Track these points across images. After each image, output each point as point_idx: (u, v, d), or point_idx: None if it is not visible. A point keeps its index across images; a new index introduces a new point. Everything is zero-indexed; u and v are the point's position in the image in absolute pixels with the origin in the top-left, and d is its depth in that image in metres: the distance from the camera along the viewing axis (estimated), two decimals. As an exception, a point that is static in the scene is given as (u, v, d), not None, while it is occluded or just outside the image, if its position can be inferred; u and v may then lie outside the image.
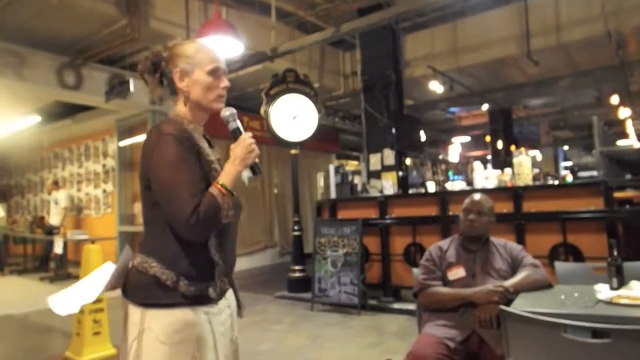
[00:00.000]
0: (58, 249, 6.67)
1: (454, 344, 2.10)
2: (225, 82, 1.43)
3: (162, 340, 1.26)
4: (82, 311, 3.62)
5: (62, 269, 7.73)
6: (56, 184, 8.94)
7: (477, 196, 2.47)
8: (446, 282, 2.33)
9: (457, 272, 2.31)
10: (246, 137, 1.36)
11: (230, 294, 1.47)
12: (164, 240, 1.31)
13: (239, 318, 1.52)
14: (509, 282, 2.14)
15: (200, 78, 1.39)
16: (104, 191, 8.89)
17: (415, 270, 2.49)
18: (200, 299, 1.30)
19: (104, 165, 8.93)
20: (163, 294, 1.27)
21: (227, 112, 1.40)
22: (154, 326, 1.27)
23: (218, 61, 1.42)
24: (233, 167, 1.32)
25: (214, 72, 1.40)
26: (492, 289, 2.11)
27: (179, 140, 1.30)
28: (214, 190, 1.28)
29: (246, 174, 1.42)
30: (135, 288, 1.33)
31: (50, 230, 7.67)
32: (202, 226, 1.24)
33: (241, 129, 1.39)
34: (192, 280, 1.29)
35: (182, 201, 1.24)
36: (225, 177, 1.31)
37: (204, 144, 1.40)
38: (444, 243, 2.49)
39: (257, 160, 1.37)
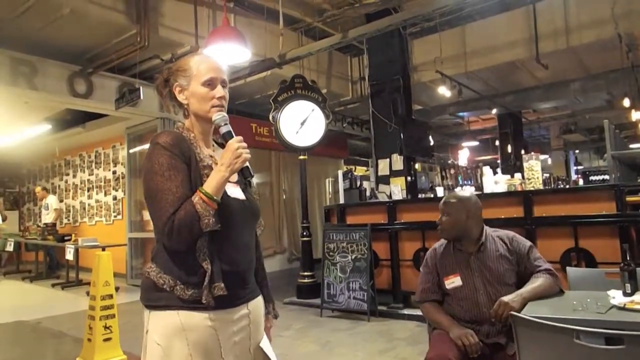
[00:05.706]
0: (69, 255, 6.72)
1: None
2: (220, 92, 1.41)
3: (157, 342, 1.30)
4: (93, 317, 3.65)
5: (51, 273, 7.87)
6: (45, 190, 9.52)
7: (447, 196, 2.37)
8: (444, 290, 2.25)
9: (454, 281, 2.22)
10: (234, 142, 1.32)
11: (255, 302, 1.48)
12: (160, 246, 1.35)
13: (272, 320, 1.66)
14: (523, 295, 2.00)
15: (195, 90, 1.42)
16: (115, 198, 8.98)
17: None
18: (197, 304, 1.29)
19: (114, 172, 9.02)
20: (161, 297, 1.31)
21: (218, 116, 1.40)
22: (152, 327, 1.33)
23: (214, 72, 1.42)
24: (218, 173, 1.29)
25: (210, 83, 1.41)
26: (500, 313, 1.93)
27: (166, 149, 1.32)
28: (195, 197, 1.26)
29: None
30: (142, 291, 1.38)
31: (62, 238, 7.74)
32: (176, 234, 1.24)
33: (232, 133, 1.38)
34: (187, 285, 1.30)
35: (160, 209, 1.26)
36: (209, 184, 1.28)
37: (203, 151, 1.41)
38: (439, 244, 2.38)
39: (247, 164, 1.33)
